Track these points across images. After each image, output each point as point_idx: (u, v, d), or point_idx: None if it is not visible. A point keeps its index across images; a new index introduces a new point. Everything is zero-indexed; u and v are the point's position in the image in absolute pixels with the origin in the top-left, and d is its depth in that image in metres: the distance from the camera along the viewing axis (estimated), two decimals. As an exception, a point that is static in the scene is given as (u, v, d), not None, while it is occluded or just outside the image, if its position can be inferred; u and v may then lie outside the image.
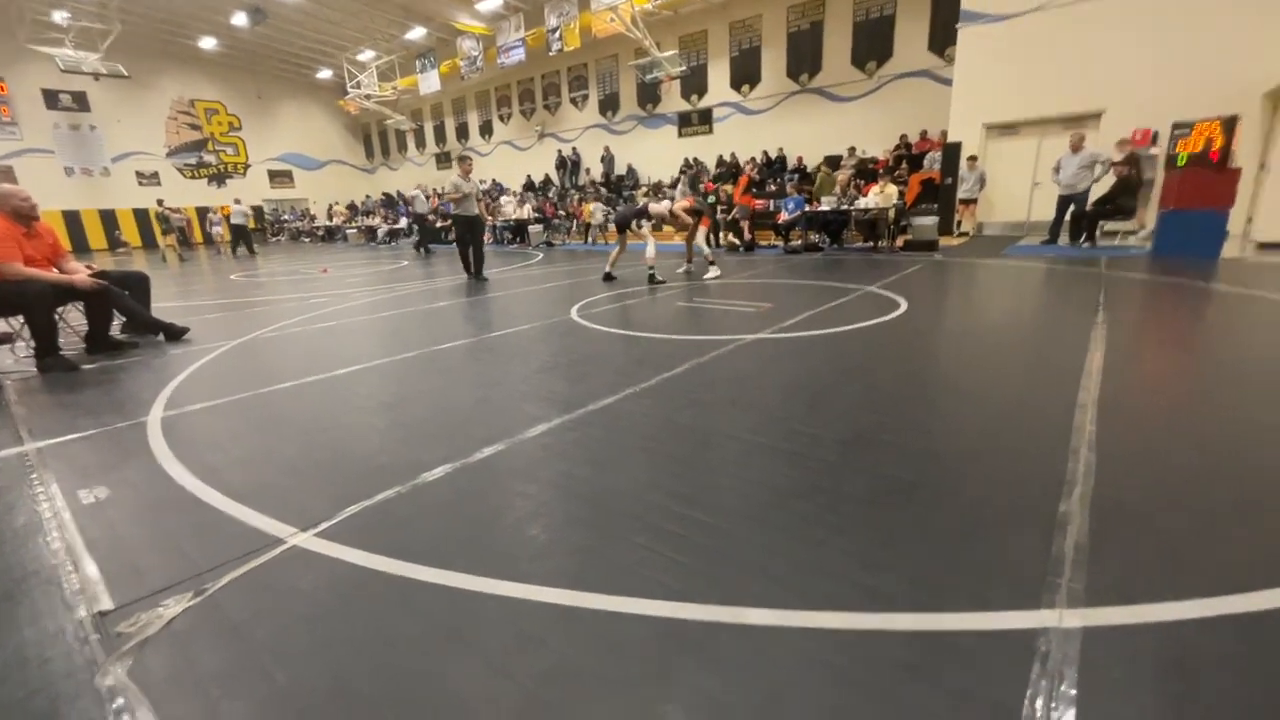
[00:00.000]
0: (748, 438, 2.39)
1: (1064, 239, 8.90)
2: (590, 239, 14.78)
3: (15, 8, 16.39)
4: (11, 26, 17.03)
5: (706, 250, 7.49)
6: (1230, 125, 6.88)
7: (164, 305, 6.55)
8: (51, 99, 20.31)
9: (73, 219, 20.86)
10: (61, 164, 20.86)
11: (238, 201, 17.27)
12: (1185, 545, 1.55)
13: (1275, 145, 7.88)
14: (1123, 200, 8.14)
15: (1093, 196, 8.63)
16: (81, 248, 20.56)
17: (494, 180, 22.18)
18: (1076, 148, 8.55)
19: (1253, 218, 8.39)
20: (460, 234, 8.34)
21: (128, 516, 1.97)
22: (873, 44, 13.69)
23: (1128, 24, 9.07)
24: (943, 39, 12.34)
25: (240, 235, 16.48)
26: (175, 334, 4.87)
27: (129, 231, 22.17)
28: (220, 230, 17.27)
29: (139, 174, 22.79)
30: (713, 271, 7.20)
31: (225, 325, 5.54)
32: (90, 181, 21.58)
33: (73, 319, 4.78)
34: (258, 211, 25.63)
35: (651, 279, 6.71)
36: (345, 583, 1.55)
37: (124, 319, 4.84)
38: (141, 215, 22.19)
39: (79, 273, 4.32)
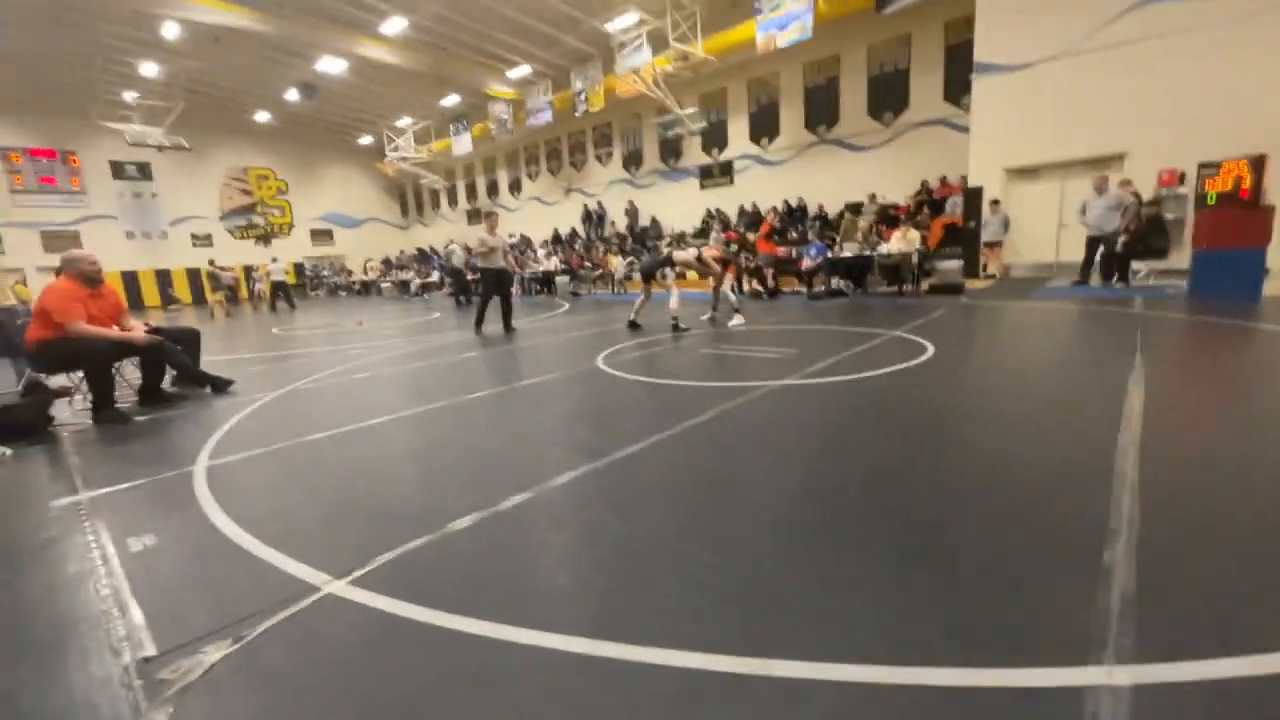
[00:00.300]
0: (774, 484, 2.38)
1: (1095, 280, 8.77)
2: (615, 289, 15.08)
3: (90, 89, 18.03)
4: (85, 106, 18.71)
5: (733, 298, 7.57)
6: (1259, 164, 6.82)
7: (211, 359, 6.86)
8: (118, 170, 22.05)
9: (130, 279, 22.21)
10: (124, 228, 22.41)
11: (275, 260, 18.25)
12: (1236, 597, 1.48)
13: (1310, 182, 7.75)
14: (1152, 240, 8.03)
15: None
16: (136, 305, 21.78)
17: (522, 234, 22.98)
18: (1101, 189, 8.53)
19: (1294, 255, 8.16)
20: (487, 287, 8.48)
21: (173, 563, 2.04)
22: (888, 96, 14.06)
23: (1145, 69, 9.17)
24: (958, 89, 12.60)
25: (280, 290, 17.35)
26: (221, 386, 5.09)
27: (181, 289, 23.49)
28: (263, 286, 18.22)
29: (194, 236, 24.32)
30: (737, 319, 7.25)
31: (267, 377, 5.77)
32: (149, 244, 23.09)
33: (127, 373, 5.04)
34: (298, 268, 26.95)
35: (675, 327, 6.79)
36: (376, 631, 1.57)
37: (175, 372, 5.09)
38: (193, 274, 23.53)
39: (136, 330, 4.60)
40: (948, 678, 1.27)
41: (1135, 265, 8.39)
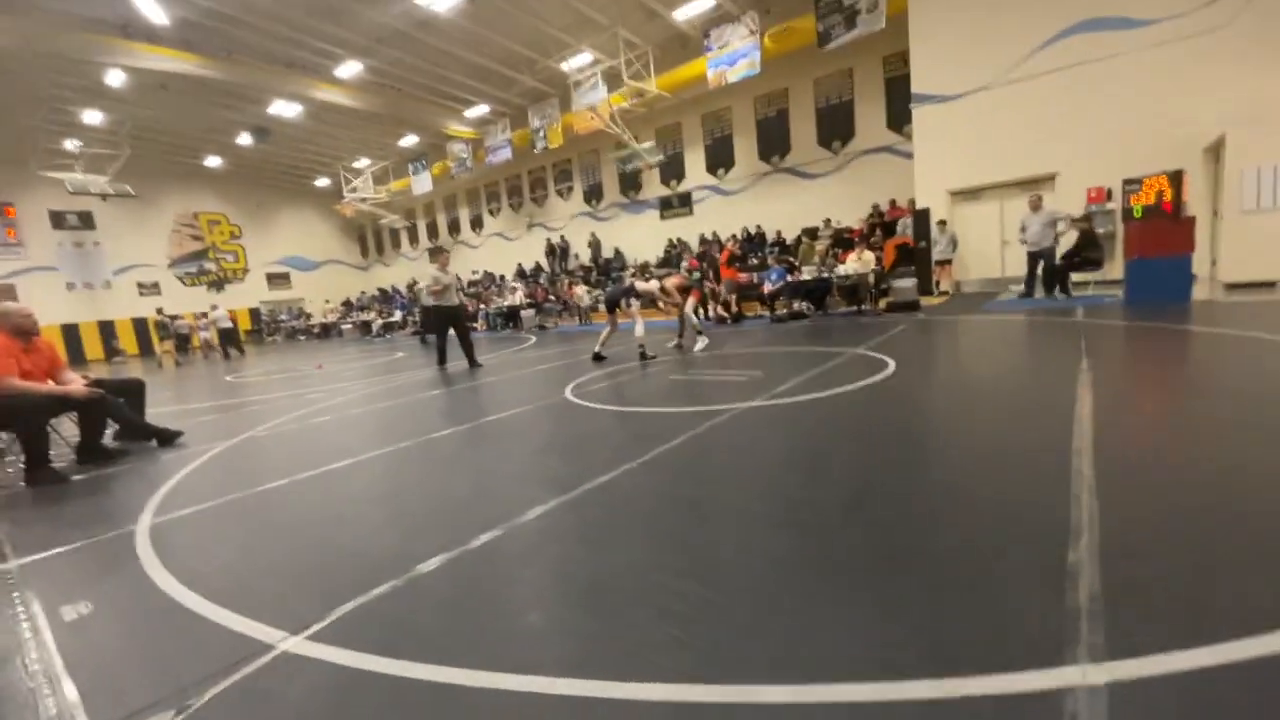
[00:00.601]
0: (747, 508, 2.36)
1: (1039, 292, 9.19)
2: (582, 320, 15.10)
3: (30, 139, 17.43)
4: (23, 155, 18.04)
5: (695, 321, 7.65)
6: (1177, 178, 7.33)
7: (159, 410, 6.55)
8: (58, 219, 21.18)
9: (70, 331, 21.16)
10: (64, 280, 21.43)
11: (215, 307, 17.59)
12: (1198, 587, 1.52)
13: (1223, 194, 8.36)
14: (1089, 252, 8.50)
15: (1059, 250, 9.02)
16: (78, 358, 20.71)
17: (485, 271, 22.90)
18: (1035, 208, 9.01)
19: (1216, 261, 8.75)
20: (439, 325, 8.34)
21: (111, 631, 1.89)
22: (835, 126, 14.71)
23: (1069, 94, 9.85)
24: (899, 118, 13.28)
25: (227, 338, 16.85)
26: (168, 439, 4.83)
27: (126, 340, 22.47)
28: (209, 335, 17.50)
29: (140, 284, 23.39)
30: (702, 342, 7.33)
31: (219, 426, 5.52)
32: (91, 294, 22.10)
33: (65, 429, 4.75)
34: (254, 314, 26.18)
35: (642, 355, 6.80)
36: (336, 688, 1.47)
37: (116, 427, 4.82)
38: (140, 324, 22.57)
39: (75, 383, 4.35)
40: (930, 690, 1.26)
41: (1075, 277, 8.85)
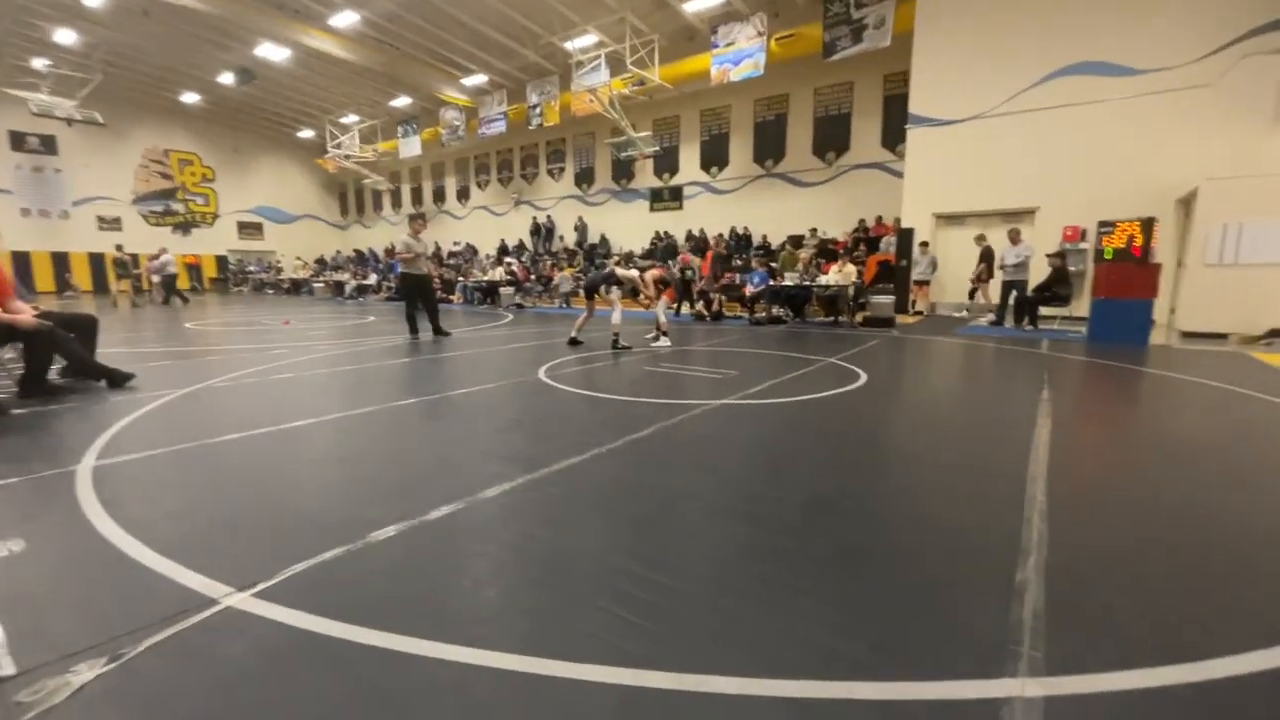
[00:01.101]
0: (711, 500, 2.38)
1: (1009, 321, 9.47)
2: (563, 304, 14.97)
3: (-6, 52, 16.47)
4: (-13, 69, 17.03)
5: (663, 319, 7.54)
6: (1149, 225, 7.61)
7: (111, 351, 6.27)
8: (18, 140, 20.08)
9: (21, 260, 20.11)
10: (19, 205, 20.33)
11: (164, 251, 16.18)
12: (1136, 612, 1.59)
13: (1190, 245, 8.71)
14: (1059, 288, 8.77)
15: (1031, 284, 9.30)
16: (27, 289, 19.68)
17: (467, 243, 22.51)
18: (1015, 240, 9.27)
19: (1175, 309, 9.12)
20: (408, 292, 8.30)
21: (42, 573, 1.81)
22: (831, 137, 14.85)
23: (1056, 134, 10.12)
24: (894, 137, 13.48)
25: (167, 285, 15.74)
26: (119, 380, 4.63)
27: (81, 275, 21.46)
28: (155, 279, 16.19)
29: (100, 218, 22.36)
30: (664, 342, 7.23)
31: (175, 373, 5.32)
32: (47, 224, 21.03)
33: (7, 360, 4.52)
34: (221, 261, 25.27)
35: (615, 344, 6.77)
36: (281, 647, 1.44)
37: (64, 363, 4.61)
38: (97, 260, 21.58)
39: (23, 313, 4.13)
40: (873, 691, 1.29)
41: (1043, 310, 9.14)
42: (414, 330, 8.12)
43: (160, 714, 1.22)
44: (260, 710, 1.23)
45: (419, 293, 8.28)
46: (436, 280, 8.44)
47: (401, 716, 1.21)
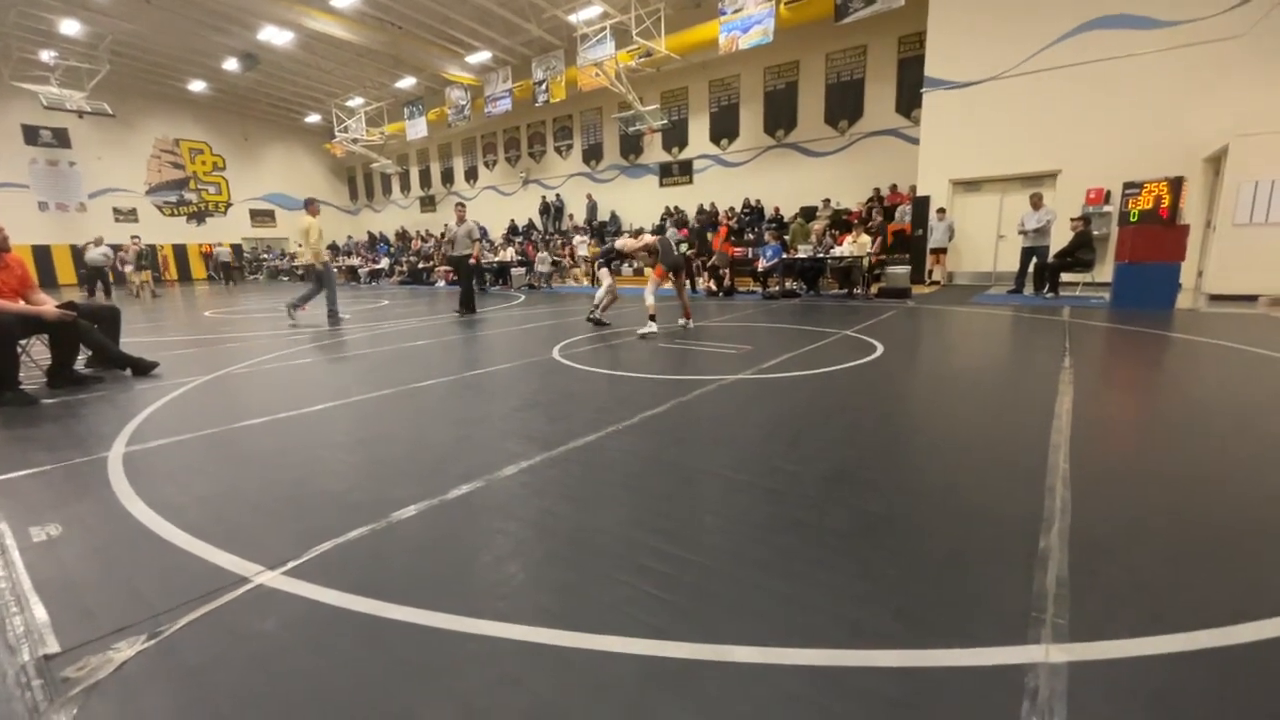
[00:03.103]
0: (730, 475, 2.38)
1: (1029, 289, 9.27)
2: (575, 281, 14.92)
3: (2, 44, 16.49)
4: (-4, 63, 17.12)
5: (650, 302, 6.61)
6: (1177, 185, 7.34)
7: (134, 340, 6.39)
8: (31, 135, 20.23)
9: (42, 253, 20.45)
10: (36, 199, 20.59)
11: (135, 239, 16.23)
12: (1160, 579, 1.57)
13: (1219, 205, 8.41)
14: (1082, 253, 8.55)
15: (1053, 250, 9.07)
16: (49, 283, 20.07)
17: (479, 224, 22.44)
18: (1037, 205, 9.02)
19: (1203, 271, 8.86)
20: (466, 273, 9.19)
21: (81, 555, 1.87)
22: (844, 104, 14.45)
23: (1080, 91, 9.75)
24: (908, 102, 13.09)
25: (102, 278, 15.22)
26: (143, 369, 4.73)
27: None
28: (129, 270, 16.15)
29: (116, 210, 22.59)
30: (650, 327, 6.32)
31: (197, 361, 5.41)
32: (65, 217, 21.29)
33: (36, 352, 4.62)
34: (236, 249, 25.48)
35: (589, 316, 6.93)
36: (312, 622, 1.48)
37: (89, 354, 4.70)
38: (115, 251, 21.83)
39: (47, 305, 4.21)
40: (896, 659, 1.29)
41: (1064, 277, 8.93)
42: (469, 309, 8.98)
43: (201, 687, 1.27)
44: (297, 682, 1.27)
45: (459, 271, 9.19)
46: (474, 260, 9.29)
47: (436, 688, 1.24)
